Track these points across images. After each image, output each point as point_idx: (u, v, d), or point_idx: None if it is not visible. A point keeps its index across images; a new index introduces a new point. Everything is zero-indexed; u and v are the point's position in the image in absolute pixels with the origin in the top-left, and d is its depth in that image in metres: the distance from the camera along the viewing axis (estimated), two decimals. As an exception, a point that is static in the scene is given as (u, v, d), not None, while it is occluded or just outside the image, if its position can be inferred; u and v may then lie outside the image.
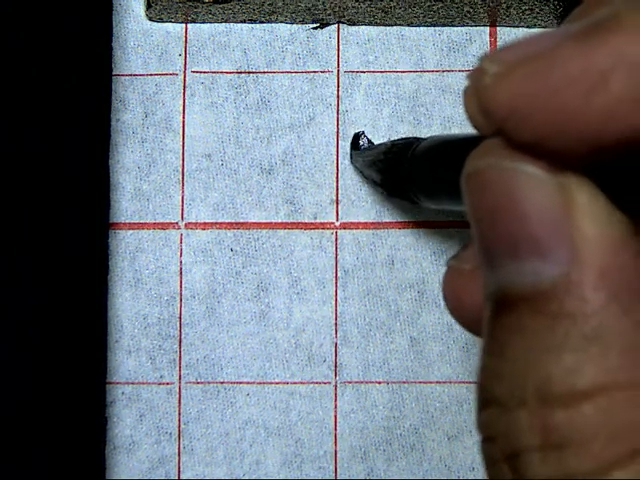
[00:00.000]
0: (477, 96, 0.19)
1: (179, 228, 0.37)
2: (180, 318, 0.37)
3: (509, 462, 0.19)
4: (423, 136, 0.38)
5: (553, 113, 0.18)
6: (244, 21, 0.38)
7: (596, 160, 0.19)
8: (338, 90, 0.38)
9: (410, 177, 0.31)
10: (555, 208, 0.19)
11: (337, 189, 0.37)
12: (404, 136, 0.37)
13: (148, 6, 0.37)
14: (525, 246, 0.19)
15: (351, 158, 0.37)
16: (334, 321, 0.37)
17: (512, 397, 0.19)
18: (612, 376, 0.18)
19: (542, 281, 0.19)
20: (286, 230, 0.37)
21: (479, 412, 0.20)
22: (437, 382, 0.37)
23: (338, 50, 0.38)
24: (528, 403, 0.19)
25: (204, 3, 0.37)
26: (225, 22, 0.38)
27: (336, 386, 0.37)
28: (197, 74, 0.38)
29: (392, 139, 0.36)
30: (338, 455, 0.36)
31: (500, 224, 0.19)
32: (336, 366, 0.37)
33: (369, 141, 0.37)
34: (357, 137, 0.37)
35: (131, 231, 0.37)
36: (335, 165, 0.37)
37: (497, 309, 0.20)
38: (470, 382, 0.36)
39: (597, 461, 0.18)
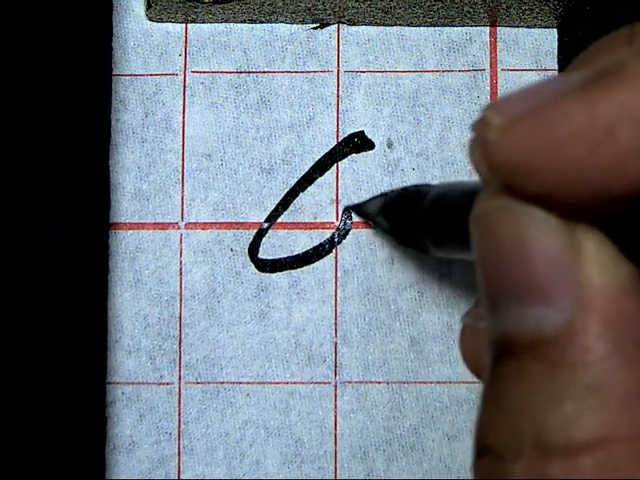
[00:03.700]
0: (482, 150, 0.19)
1: (179, 228, 0.37)
2: (180, 318, 0.37)
3: None
4: (422, 136, 0.38)
5: (560, 167, 0.18)
6: (244, 21, 0.38)
7: (604, 210, 0.18)
8: (338, 90, 0.38)
9: (420, 226, 0.31)
10: (562, 254, 0.19)
11: (337, 189, 0.37)
12: (405, 136, 0.37)
13: (148, 6, 0.37)
14: (530, 291, 0.19)
15: (356, 208, 0.37)
16: (334, 321, 0.37)
17: (508, 447, 0.19)
18: (611, 429, 0.18)
19: (545, 328, 0.19)
20: (286, 230, 0.37)
21: (475, 461, 0.20)
22: (437, 382, 0.37)
23: (338, 50, 0.38)
24: (524, 454, 0.18)
25: (204, 3, 0.37)
26: (225, 22, 0.38)
27: (336, 386, 0.37)
28: (197, 74, 0.38)
29: (404, 186, 0.36)
30: (338, 455, 0.36)
31: (506, 268, 0.19)
32: (336, 366, 0.37)
33: (368, 141, 0.37)
34: (352, 137, 0.37)
35: (131, 231, 0.37)
36: (335, 165, 0.37)
37: (498, 355, 0.20)
38: (470, 382, 0.36)
39: None
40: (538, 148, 0.18)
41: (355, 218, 0.37)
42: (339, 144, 0.37)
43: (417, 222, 0.31)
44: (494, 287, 0.20)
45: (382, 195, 0.36)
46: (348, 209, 0.37)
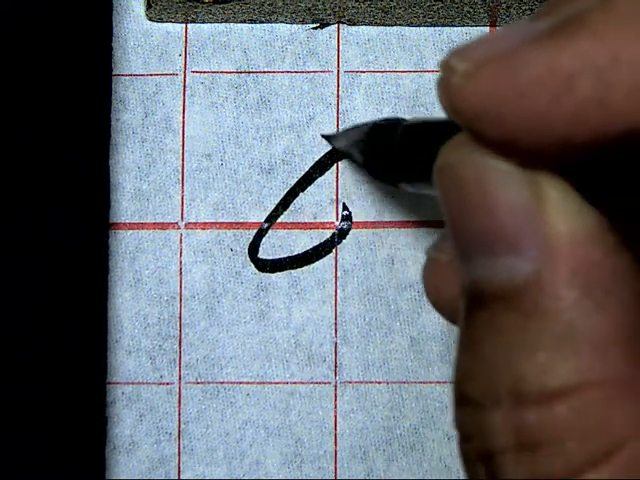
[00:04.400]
0: (446, 94, 0.19)
1: (179, 228, 0.37)
2: (180, 318, 0.37)
3: (484, 462, 0.19)
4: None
5: (521, 115, 0.18)
6: (244, 21, 0.38)
7: (567, 159, 0.18)
8: (338, 90, 0.38)
9: (391, 161, 0.31)
10: (526, 204, 0.19)
11: (337, 189, 0.37)
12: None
13: (148, 6, 0.37)
14: (497, 242, 0.19)
15: (330, 139, 0.37)
16: (334, 321, 0.37)
17: (485, 396, 0.19)
18: (585, 375, 0.18)
19: (515, 278, 0.19)
20: (286, 230, 0.37)
21: (455, 410, 0.20)
22: (437, 382, 0.37)
23: (338, 50, 0.38)
24: (501, 403, 0.19)
25: (204, 3, 0.37)
26: (225, 22, 0.38)
27: (336, 386, 0.37)
28: (197, 74, 0.38)
29: (375, 119, 0.35)
30: (338, 455, 0.36)
31: (472, 219, 0.19)
32: (336, 366, 0.37)
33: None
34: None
35: (131, 231, 0.37)
36: (335, 165, 0.37)
37: (471, 305, 0.20)
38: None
39: (571, 462, 0.18)
40: (500, 95, 0.18)
41: (355, 218, 0.37)
42: None
43: (388, 157, 0.31)
44: (462, 238, 0.20)
45: (356, 127, 0.36)
46: (325, 137, 0.37)
